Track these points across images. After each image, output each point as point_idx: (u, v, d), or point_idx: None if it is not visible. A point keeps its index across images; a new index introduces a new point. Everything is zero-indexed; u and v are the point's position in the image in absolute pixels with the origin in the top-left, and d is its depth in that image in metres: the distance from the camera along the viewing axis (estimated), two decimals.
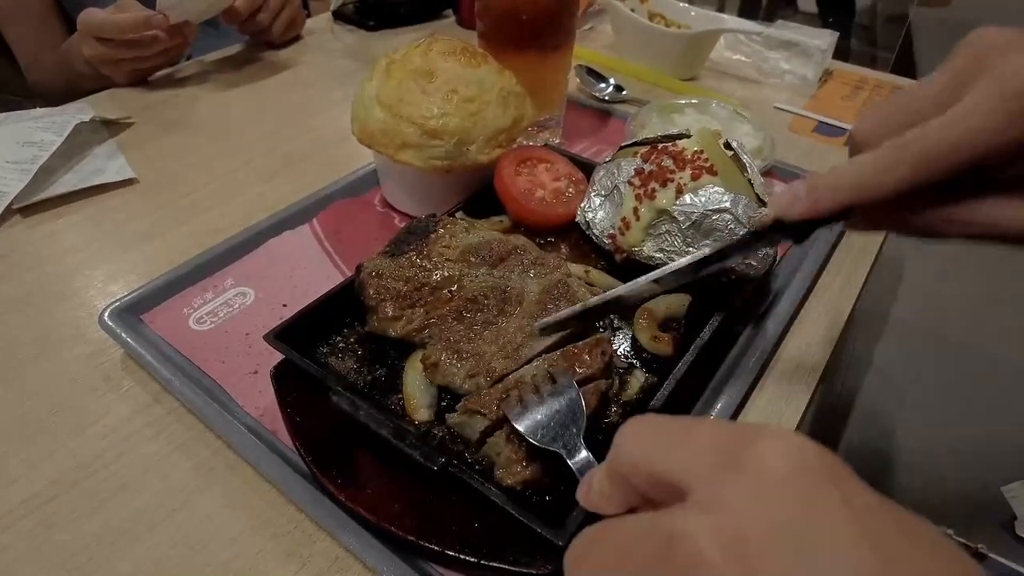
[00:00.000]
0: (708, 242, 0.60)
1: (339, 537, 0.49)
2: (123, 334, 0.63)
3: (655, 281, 0.53)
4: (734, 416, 0.59)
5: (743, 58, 1.19)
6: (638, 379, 0.56)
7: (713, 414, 0.57)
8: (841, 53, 1.21)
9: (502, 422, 0.48)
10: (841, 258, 0.78)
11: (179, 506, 0.53)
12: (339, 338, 0.59)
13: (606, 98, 1.06)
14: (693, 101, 0.93)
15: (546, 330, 0.54)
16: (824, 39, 1.15)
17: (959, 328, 1.49)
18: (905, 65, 2.28)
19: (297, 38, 1.29)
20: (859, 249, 0.80)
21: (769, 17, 1.29)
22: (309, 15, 1.40)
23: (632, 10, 1.14)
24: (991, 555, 0.98)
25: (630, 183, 0.64)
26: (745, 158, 0.63)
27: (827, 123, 1.05)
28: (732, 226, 0.59)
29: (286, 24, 1.22)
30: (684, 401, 0.58)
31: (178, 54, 1.11)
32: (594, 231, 0.67)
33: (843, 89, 1.16)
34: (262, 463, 0.53)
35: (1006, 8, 2.50)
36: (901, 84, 1.17)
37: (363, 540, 0.48)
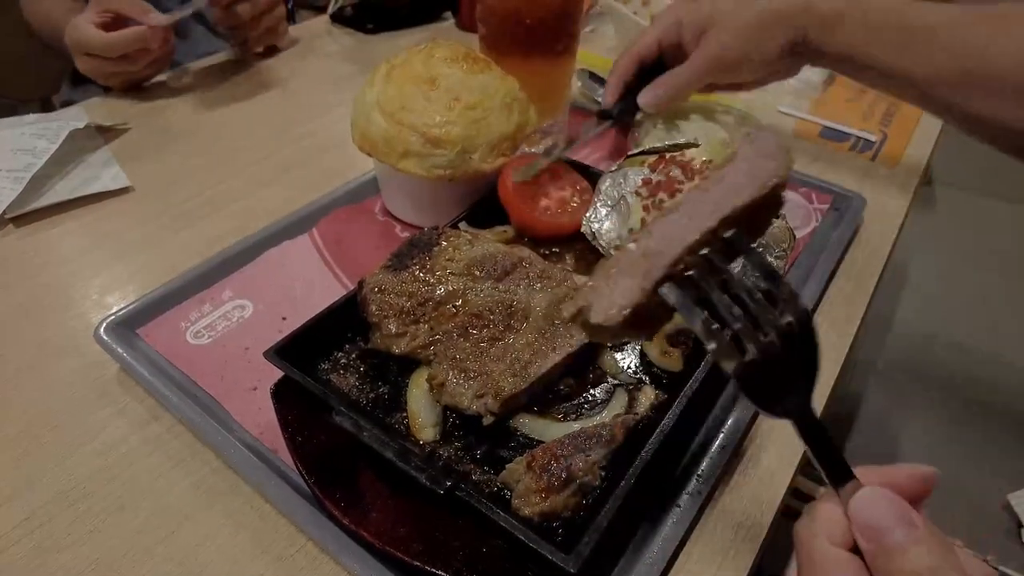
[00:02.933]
0: None
1: (343, 561, 0.47)
2: (119, 349, 0.62)
3: None
4: (745, 432, 0.57)
5: None
6: (648, 396, 0.55)
7: (723, 431, 0.56)
8: None
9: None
10: (850, 267, 0.77)
11: (178, 527, 0.51)
12: (341, 354, 0.58)
13: None
14: (696, 106, 0.92)
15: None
16: None
17: (964, 332, 1.48)
18: None
19: (275, 49, 1.25)
20: (868, 257, 0.79)
21: None
22: (293, 22, 1.38)
23: (634, 13, 1.13)
24: (1001, 568, 0.97)
25: (637, 193, 0.62)
26: None
27: (832, 127, 1.04)
28: None
29: (267, 28, 1.18)
30: (694, 418, 0.57)
31: (169, 60, 1.10)
32: (600, 242, 0.66)
33: (847, 92, 1.14)
34: (262, 483, 0.52)
35: None
36: None
37: (367, 565, 0.47)
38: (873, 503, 0.33)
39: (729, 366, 0.36)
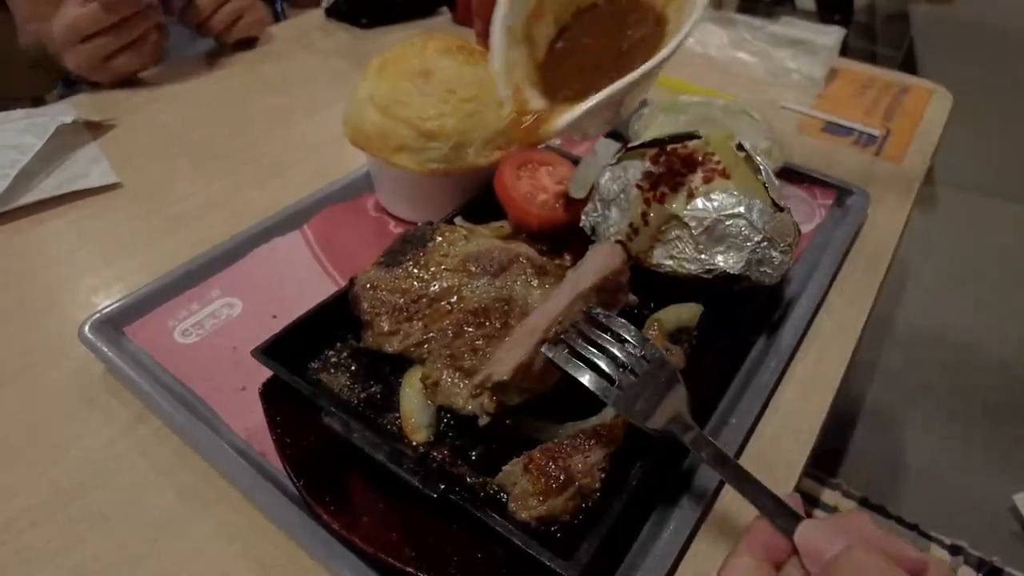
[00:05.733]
0: (721, 249, 0.57)
1: (334, 568, 0.46)
2: (104, 348, 0.60)
3: None
4: (749, 433, 0.56)
5: (747, 56, 1.16)
6: None
7: (726, 431, 0.55)
8: (840, 50, 1.18)
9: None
10: (854, 263, 0.75)
11: (163, 536, 0.49)
12: (331, 352, 0.56)
13: None
14: (697, 100, 0.90)
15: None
16: (831, 36, 1.13)
17: (967, 332, 1.47)
18: (905, 63, 2.26)
19: (256, 44, 1.21)
20: (872, 254, 0.77)
21: (769, 14, 1.26)
22: (278, 19, 1.36)
23: None
24: (1007, 568, 0.96)
25: (638, 186, 0.60)
26: (758, 160, 0.60)
27: (836, 123, 1.02)
28: (747, 232, 0.56)
29: (232, 15, 1.12)
30: (696, 418, 0.55)
31: (163, 46, 1.08)
32: (600, 237, 0.64)
33: (850, 88, 1.13)
34: (251, 488, 0.50)
35: (1006, 7, 2.48)
36: (909, 83, 1.14)
37: (358, 571, 0.45)
38: (813, 532, 0.38)
39: (607, 396, 0.46)
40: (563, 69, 0.62)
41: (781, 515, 0.39)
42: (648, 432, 0.45)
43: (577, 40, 0.64)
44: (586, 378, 0.46)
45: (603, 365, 0.47)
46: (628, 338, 0.48)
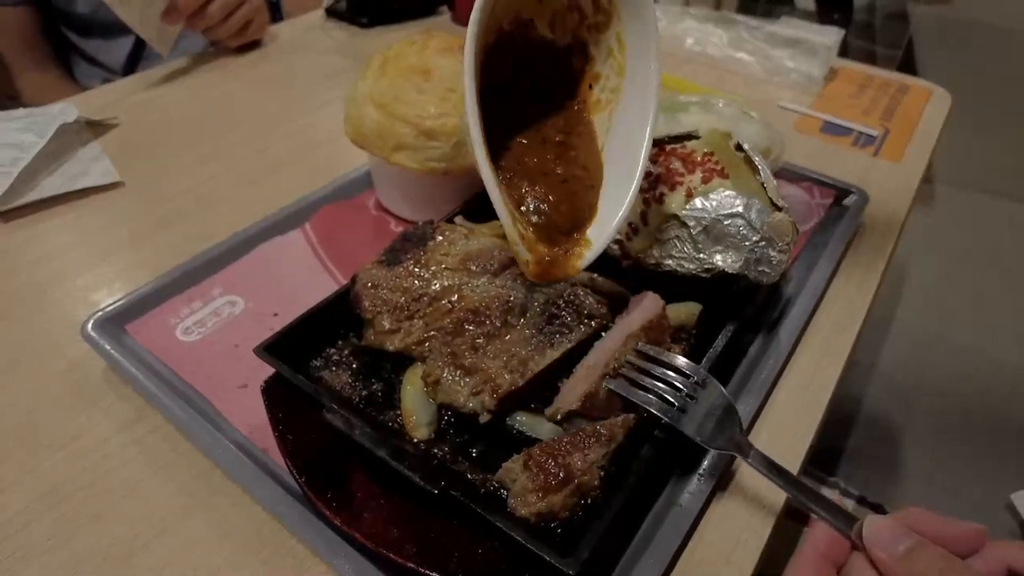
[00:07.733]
0: (720, 248, 0.58)
1: (334, 564, 0.46)
2: (107, 345, 0.60)
3: None
4: (748, 429, 0.56)
5: (746, 56, 1.16)
6: None
7: None
8: (839, 50, 1.19)
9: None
10: (852, 264, 0.75)
11: (162, 532, 0.50)
12: (333, 350, 0.57)
13: None
14: (696, 99, 0.90)
15: None
16: (830, 36, 1.13)
17: (964, 331, 1.47)
18: (905, 62, 2.26)
19: (257, 44, 1.22)
20: (870, 254, 0.77)
21: (768, 14, 1.26)
22: (274, 17, 1.37)
23: None
24: None
25: None
26: (757, 160, 0.60)
27: (834, 123, 1.02)
28: (745, 232, 0.57)
29: (241, 22, 1.14)
30: None
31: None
32: None
33: (849, 88, 1.13)
34: (252, 484, 0.50)
35: (1006, 7, 2.49)
36: (908, 83, 1.14)
37: (360, 567, 0.45)
38: (882, 524, 0.40)
39: (673, 419, 0.49)
40: (518, 175, 0.55)
41: (839, 517, 0.42)
42: (708, 448, 0.49)
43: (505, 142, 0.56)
44: (651, 405, 0.49)
45: (663, 392, 0.50)
46: (681, 367, 0.51)
